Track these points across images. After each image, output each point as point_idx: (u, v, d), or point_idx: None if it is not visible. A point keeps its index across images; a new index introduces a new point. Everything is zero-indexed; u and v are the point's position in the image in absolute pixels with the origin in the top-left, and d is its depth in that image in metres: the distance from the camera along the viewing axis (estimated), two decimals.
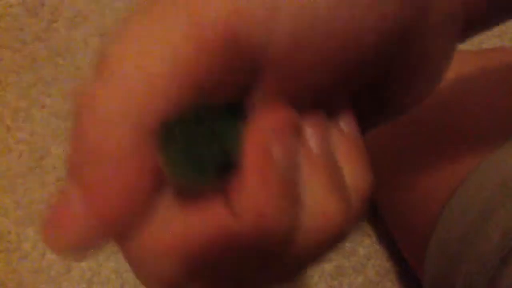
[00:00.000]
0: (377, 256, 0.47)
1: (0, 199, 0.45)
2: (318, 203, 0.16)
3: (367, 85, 0.18)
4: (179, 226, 0.15)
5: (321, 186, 0.16)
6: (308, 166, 0.16)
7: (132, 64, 0.14)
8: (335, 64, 0.16)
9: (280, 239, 0.15)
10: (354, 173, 0.17)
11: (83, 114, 0.15)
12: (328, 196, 0.16)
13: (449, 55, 0.19)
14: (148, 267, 0.15)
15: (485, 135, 0.37)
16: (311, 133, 0.17)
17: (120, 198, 0.15)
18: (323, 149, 0.17)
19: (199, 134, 0.15)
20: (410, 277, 0.46)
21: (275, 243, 0.15)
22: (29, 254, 0.43)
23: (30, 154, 0.46)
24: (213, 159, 0.15)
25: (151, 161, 0.15)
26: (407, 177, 0.41)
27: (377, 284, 0.47)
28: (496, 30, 0.56)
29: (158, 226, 0.15)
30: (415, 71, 0.18)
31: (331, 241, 0.17)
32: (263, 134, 0.15)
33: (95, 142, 0.14)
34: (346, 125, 0.18)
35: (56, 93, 0.49)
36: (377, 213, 0.48)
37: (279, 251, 0.16)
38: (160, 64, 0.14)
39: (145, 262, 0.15)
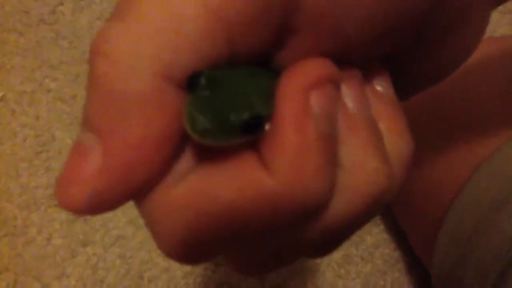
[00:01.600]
0: (385, 245, 0.47)
1: (5, 183, 0.44)
2: (358, 163, 0.15)
3: (402, 44, 0.17)
4: (204, 182, 0.14)
5: (360, 146, 0.15)
6: (346, 125, 0.15)
7: (159, 4, 0.13)
8: (376, 22, 0.15)
9: (318, 199, 0.14)
10: (393, 136, 0.16)
11: (102, 56, 0.13)
12: (368, 156, 0.15)
13: (484, 21, 0.18)
14: (167, 226, 0.14)
15: (497, 124, 0.37)
16: (348, 91, 0.16)
17: (141, 148, 0.13)
18: (362, 109, 0.16)
19: (228, 89, 0.14)
20: (418, 267, 0.45)
21: (312, 204, 0.14)
22: (34, 239, 0.43)
23: (35, 138, 0.46)
24: (242, 115, 0.14)
25: (175, 112, 0.14)
26: (417, 166, 0.40)
27: (385, 273, 0.46)
28: (508, 17, 0.56)
29: (178, 181, 0.14)
30: (451, 32, 0.17)
31: (371, 206, 0.15)
32: (300, 83, 0.14)
33: (115, 87, 0.13)
34: (382, 87, 0.17)
35: (61, 77, 0.49)
36: None
37: (316, 213, 0.15)
38: (191, 5, 0.13)
39: (164, 221, 0.14)
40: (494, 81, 0.39)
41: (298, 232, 0.15)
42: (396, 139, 0.16)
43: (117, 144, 0.13)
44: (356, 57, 0.16)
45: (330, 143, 0.14)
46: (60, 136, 0.46)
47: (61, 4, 0.52)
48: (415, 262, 0.46)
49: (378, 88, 0.17)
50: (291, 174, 0.13)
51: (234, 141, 0.14)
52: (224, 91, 0.14)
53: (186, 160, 0.14)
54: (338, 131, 0.15)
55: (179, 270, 0.43)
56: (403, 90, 0.19)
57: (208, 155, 0.14)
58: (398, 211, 0.46)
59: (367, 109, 0.16)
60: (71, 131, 0.46)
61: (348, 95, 0.16)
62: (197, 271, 0.43)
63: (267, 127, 0.14)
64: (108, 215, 0.44)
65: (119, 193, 0.14)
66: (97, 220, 0.43)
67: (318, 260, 0.46)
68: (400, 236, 0.47)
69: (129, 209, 0.44)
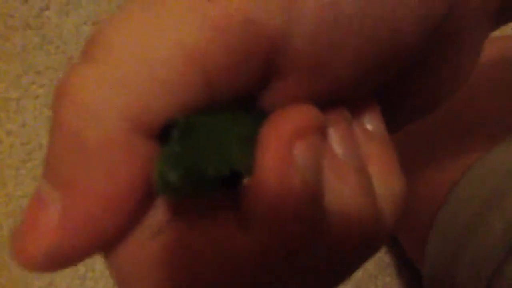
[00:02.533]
0: None
1: None
2: (345, 209, 0.14)
3: (394, 79, 0.16)
4: (173, 239, 0.13)
5: (347, 192, 0.14)
6: (334, 173, 0.14)
7: (131, 47, 0.12)
8: (366, 61, 0.14)
9: (297, 254, 0.13)
10: (384, 177, 0.16)
11: (67, 100, 0.12)
12: (356, 201, 0.14)
13: (479, 47, 0.18)
14: (135, 284, 0.13)
15: (490, 124, 0.37)
16: (335, 136, 0.15)
17: (104, 201, 0.12)
18: (350, 154, 0.15)
19: (204, 141, 0.13)
20: (410, 270, 0.45)
21: (291, 260, 0.13)
22: None
23: (22, 146, 0.45)
24: (219, 170, 0.13)
25: (145, 164, 0.13)
26: (408, 165, 0.40)
27: (376, 277, 0.46)
28: None
29: (151, 236, 0.13)
30: (446, 63, 0.17)
31: (360, 252, 0.15)
32: (283, 133, 0.13)
33: (78, 134, 0.12)
34: (372, 125, 0.16)
35: (48, 83, 0.48)
36: None
37: (295, 266, 0.14)
38: (165, 47, 0.12)
39: (135, 278, 0.13)
40: (485, 82, 0.38)
41: (283, 280, 0.14)
42: (387, 180, 0.16)
43: (78, 197, 0.12)
44: (346, 95, 0.15)
45: (314, 193, 0.13)
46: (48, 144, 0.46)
47: (47, 8, 0.51)
48: (406, 265, 0.46)
49: (368, 126, 0.16)
50: (269, 233, 0.13)
51: (209, 197, 0.13)
52: (200, 142, 0.13)
53: (157, 214, 0.14)
54: (324, 178, 0.14)
55: None
56: (395, 122, 0.18)
57: (181, 208, 0.14)
58: None
59: (356, 154, 0.15)
60: None
61: (336, 140, 0.15)
62: None
63: (246, 180, 0.13)
64: None
65: (80, 249, 0.12)
66: None
67: None
68: (391, 239, 0.47)
69: None
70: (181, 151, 0.12)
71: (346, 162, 0.15)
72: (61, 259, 0.12)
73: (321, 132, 0.14)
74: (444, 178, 0.37)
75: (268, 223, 0.13)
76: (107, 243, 0.13)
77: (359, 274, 0.46)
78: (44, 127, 0.46)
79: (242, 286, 0.13)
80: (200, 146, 0.13)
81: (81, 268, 0.42)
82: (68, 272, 0.42)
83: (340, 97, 0.15)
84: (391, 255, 0.47)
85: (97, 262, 0.42)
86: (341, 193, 0.14)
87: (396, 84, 0.17)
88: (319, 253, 0.14)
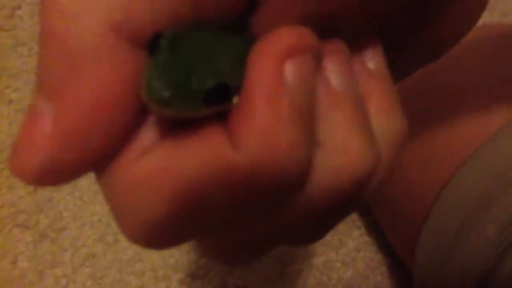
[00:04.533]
0: (366, 248, 0.46)
1: None
2: (339, 143, 0.14)
3: (397, 17, 0.16)
4: (168, 157, 0.13)
5: (342, 125, 0.14)
6: (328, 102, 0.14)
7: None
8: None
9: (289, 177, 0.13)
10: (383, 116, 0.15)
11: (51, 7, 0.12)
12: (352, 135, 0.14)
13: None
14: (129, 205, 0.13)
15: (479, 117, 0.35)
16: (331, 66, 0.14)
17: (94, 111, 0.12)
18: (346, 85, 0.14)
19: (193, 53, 0.13)
20: (401, 269, 0.45)
21: (283, 182, 0.13)
22: None
23: None
24: (206, 82, 0.12)
25: (133, 75, 0.13)
26: (397, 163, 0.39)
27: (367, 277, 0.45)
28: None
29: (140, 156, 0.13)
30: (455, 2, 0.16)
31: (354, 189, 0.14)
32: (274, 51, 0.13)
33: (65, 42, 0.12)
34: (374, 63, 0.16)
35: (22, 87, 0.46)
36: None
37: (290, 192, 0.14)
38: None
39: (126, 198, 0.13)
40: (470, 71, 0.37)
41: (275, 212, 0.14)
42: (387, 118, 0.15)
43: (68, 106, 0.12)
44: (344, 30, 0.15)
45: (306, 118, 0.13)
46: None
47: (19, 7, 0.49)
48: (397, 264, 0.45)
49: (369, 64, 0.16)
50: (259, 150, 0.12)
51: (197, 113, 0.13)
52: (188, 54, 0.13)
53: (148, 133, 0.13)
54: (318, 107, 0.14)
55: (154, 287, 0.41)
56: (399, 68, 0.17)
57: (172, 128, 0.13)
58: (378, 211, 0.45)
59: (353, 86, 0.15)
60: None
61: (332, 70, 0.14)
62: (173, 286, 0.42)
63: (235, 99, 0.13)
64: (76, 232, 0.42)
65: (73, 162, 0.13)
66: (65, 239, 0.42)
67: (299, 267, 0.45)
68: (381, 238, 0.46)
69: (98, 226, 0.42)
70: (169, 61, 0.12)
71: (342, 93, 0.14)
72: (56, 172, 0.13)
73: (315, 55, 0.14)
74: (433, 177, 0.36)
75: (256, 144, 0.12)
76: (98, 158, 0.13)
77: (349, 274, 0.45)
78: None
79: (231, 209, 0.13)
80: (189, 57, 0.13)
81: (62, 280, 0.41)
82: (48, 284, 0.40)
83: (339, 29, 0.15)
84: (382, 254, 0.46)
85: (78, 273, 0.41)
86: (334, 122, 0.14)
87: (400, 26, 0.16)
88: (308, 188, 0.14)
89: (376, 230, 0.46)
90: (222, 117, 0.13)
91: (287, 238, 0.16)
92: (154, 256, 0.42)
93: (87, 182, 0.43)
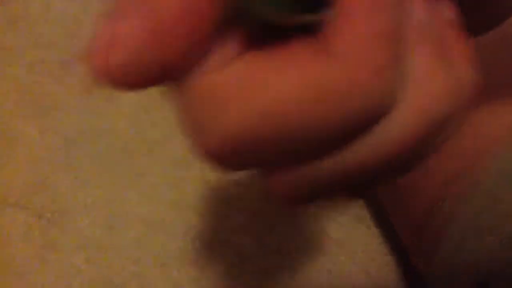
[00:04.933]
0: (372, 241, 0.45)
1: None
2: (426, 76, 0.14)
3: None
4: (254, 70, 0.13)
5: (427, 59, 0.14)
6: (415, 33, 0.14)
7: None
8: None
9: (383, 99, 0.13)
10: (458, 64, 0.15)
11: None
12: (435, 67, 0.14)
13: None
14: (207, 118, 0.13)
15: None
16: (418, 1, 0.14)
17: (181, 15, 0.12)
18: (431, 21, 0.14)
19: None
20: (405, 263, 0.44)
21: (376, 104, 0.13)
22: None
23: None
24: None
25: None
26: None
27: (369, 272, 0.44)
28: None
29: (222, 66, 0.13)
30: None
31: (432, 124, 0.14)
32: None
33: None
34: (448, 12, 0.16)
35: (17, 63, 0.45)
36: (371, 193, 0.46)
37: (375, 121, 0.13)
38: None
39: (204, 111, 0.13)
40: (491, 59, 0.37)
41: (347, 146, 0.14)
42: (466, 67, 0.15)
43: (153, 5, 0.12)
44: None
45: (398, 42, 0.13)
46: (22, 129, 0.42)
47: None
48: (401, 256, 0.44)
49: (444, 12, 0.16)
50: (357, 64, 0.12)
51: (291, 21, 0.13)
52: None
53: (231, 45, 0.13)
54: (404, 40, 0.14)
55: None
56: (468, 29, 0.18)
57: (257, 41, 0.13)
58: (386, 199, 0.44)
59: (437, 24, 0.15)
60: (33, 124, 0.42)
61: (418, 4, 0.14)
62: None
63: (331, 13, 0.13)
64: (73, 215, 0.40)
65: (156, 62, 0.13)
66: (62, 221, 0.40)
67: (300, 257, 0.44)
68: (384, 231, 0.45)
69: (92, 208, 0.41)
70: None
71: (427, 26, 0.14)
72: (136, 73, 0.13)
73: None
74: (443, 169, 0.36)
75: (356, 57, 0.12)
76: (180, 62, 0.13)
77: (352, 267, 0.44)
78: (15, 112, 0.43)
79: (315, 137, 0.13)
80: None
81: None
82: None
83: None
84: (387, 248, 0.45)
85: None
86: (422, 54, 0.14)
87: None
88: (392, 119, 0.14)
89: (383, 224, 0.46)
90: (304, 36, 0.13)
91: (348, 183, 0.15)
92: (152, 242, 0.40)
93: (83, 163, 0.42)
